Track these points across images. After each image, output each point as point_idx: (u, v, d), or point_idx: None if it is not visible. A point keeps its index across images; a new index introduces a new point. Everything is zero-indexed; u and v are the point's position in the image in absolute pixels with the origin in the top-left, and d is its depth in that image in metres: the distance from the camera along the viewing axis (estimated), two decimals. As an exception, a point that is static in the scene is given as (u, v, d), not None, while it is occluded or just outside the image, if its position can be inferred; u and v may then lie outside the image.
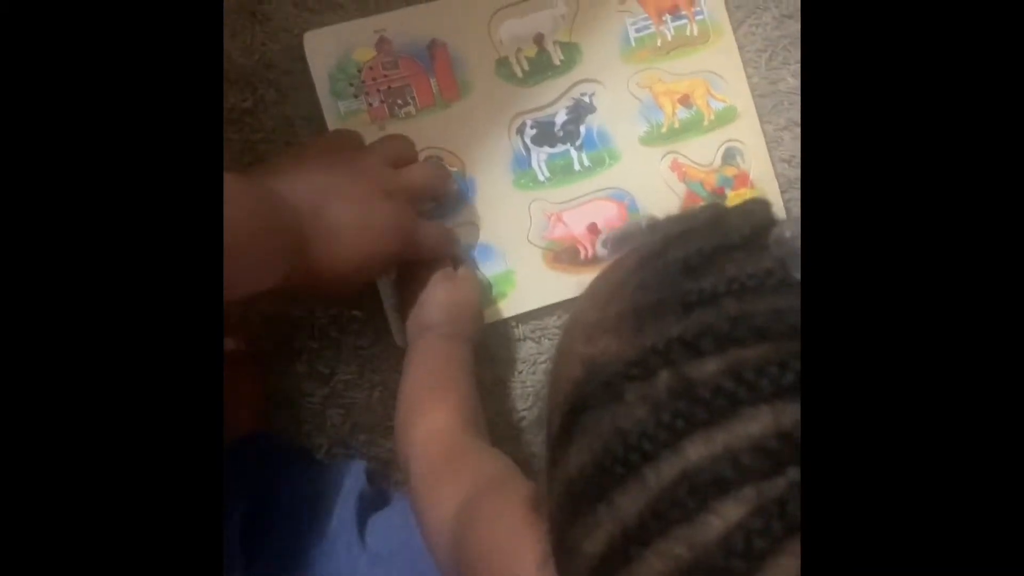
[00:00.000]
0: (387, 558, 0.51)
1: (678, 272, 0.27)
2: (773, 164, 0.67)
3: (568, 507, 0.27)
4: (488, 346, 0.64)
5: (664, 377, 0.25)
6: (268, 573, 0.51)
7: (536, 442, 0.64)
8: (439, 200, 0.60)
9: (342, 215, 0.50)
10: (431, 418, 0.51)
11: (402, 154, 0.57)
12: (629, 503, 0.25)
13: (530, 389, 0.64)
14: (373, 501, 0.54)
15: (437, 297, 0.57)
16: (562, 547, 0.28)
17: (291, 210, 0.48)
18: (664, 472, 0.24)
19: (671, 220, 0.33)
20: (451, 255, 0.59)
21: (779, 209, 0.66)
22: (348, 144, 0.56)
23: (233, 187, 0.43)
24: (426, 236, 0.56)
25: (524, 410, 0.64)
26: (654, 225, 0.32)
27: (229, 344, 0.60)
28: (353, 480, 0.54)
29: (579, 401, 0.27)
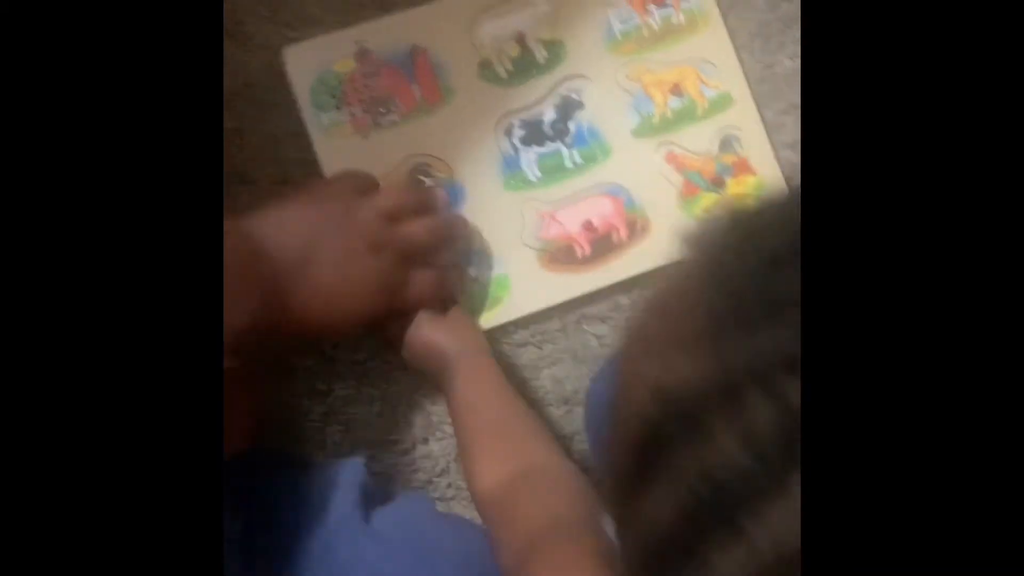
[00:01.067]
0: (396, 543, 0.48)
1: (764, 267, 0.23)
2: (776, 149, 0.65)
3: (649, 569, 0.23)
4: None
5: (758, 403, 0.20)
6: (270, 571, 0.49)
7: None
8: (445, 254, 0.57)
9: (323, 272, 0.49)
10: (502, 460, 0.49)
11: (408, 204, 0.55)
12: (730, 565, 0.20)
13: (532, 395, 0.62)
14: (376, 495, 0.52)
15: (438, 331, 0.55)
16: None
17: (269, 260, 0.47)
18: (771, 525, 0.20)
19: (752, 212, 0.28)
20: (444, 301, 0.57)
21: (784, 195, 0.64)
22: (348, 189, 0.54)
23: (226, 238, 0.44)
24: (415, 289, 0.53)
25: (528, 417, 0.62)
26: (735, 218, 0.27)
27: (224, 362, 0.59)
28: (352, 474, 0.52)
29: (653, 437, 0.23)
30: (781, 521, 0.19)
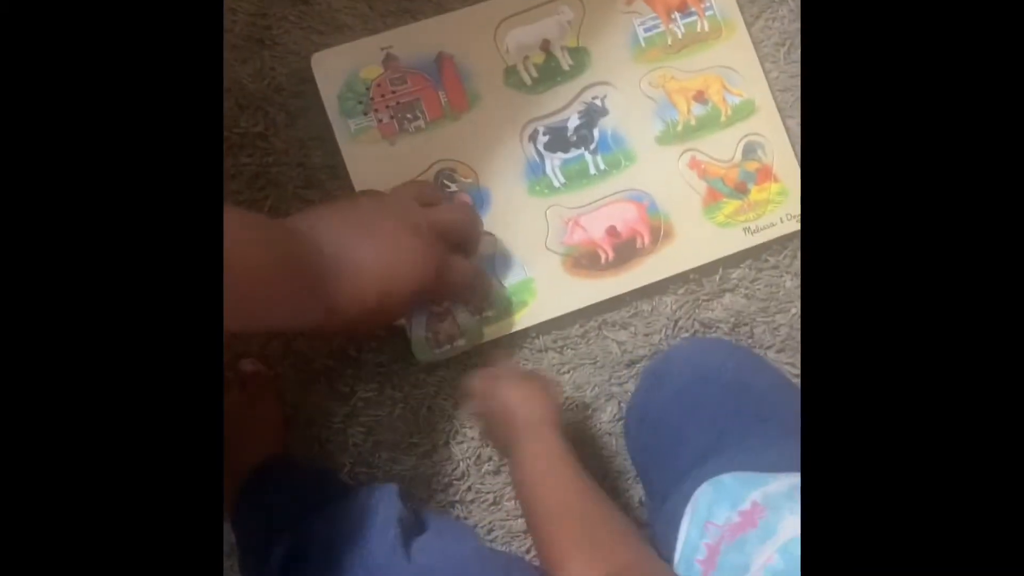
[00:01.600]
0: (436, 570, 0.49)
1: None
2: (798, 160, 0.65)
3: None
4: (509, 358, 0.62)
5: None
6: None
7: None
8: (469, 245, 0.58)
9: (366, 252, 0.50)
10: (591, 561, 0.46)
11: (429, 197, 0.57)
12: None
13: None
14: (412, 526, 0.52)
15: (514, 395, 0.55)
16: None
17: (314, 249, 0.48)
18: None
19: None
20: (478, 294, 0.59)
21: (808, 203, 0.64)
22: (376, 193, 0.56)
23: (254, 228, 0.45)
24: (453, 272, 0.55)
25: (550, 422, 0.62)
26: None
27: (247, 366, 0.60)
28: (388, 507, 0.52)
29: None
30: None
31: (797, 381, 0.60)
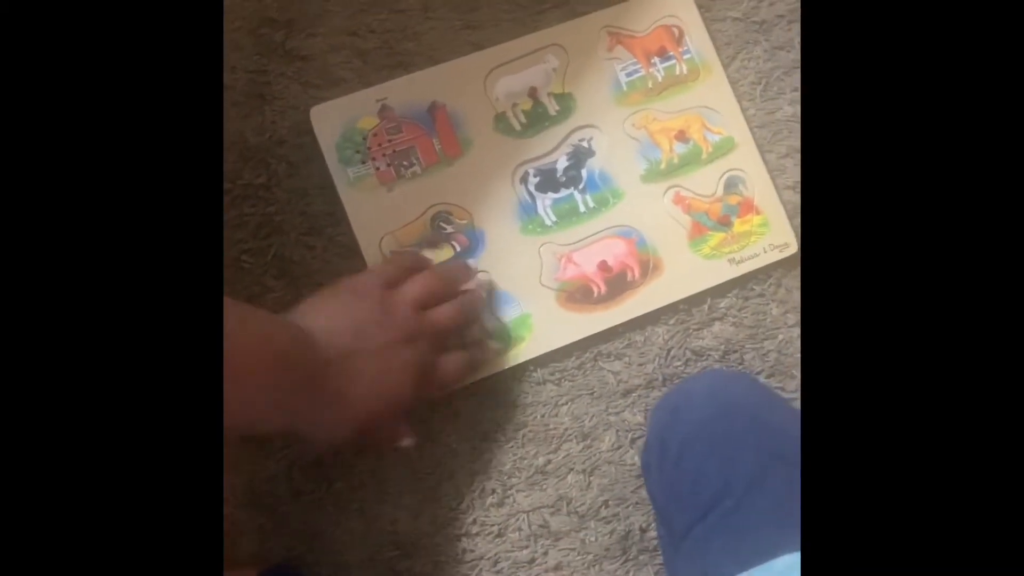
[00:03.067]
0: None
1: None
2: (778, 192, 0.68)
3: None
4: (509, 391, 0.64)
5: None
6: None
7: (566, 484, 0.64)
8: (470, 328, 0.62)
9: (367, 363, 0.54)
10: None
11: (412, 265, 0.61)
12: None
13: (552, 432, 0.64)
14: None
15: None
16: None
17: (317, 350, 0.52)
18: None
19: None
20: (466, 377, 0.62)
21: (789, 234, 0.66)
22: (382, 282, 0.58)
23: (253, 323, 0.49)
24: (444, 372, 0.59)
25: (548, 453, 0.64)
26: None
27: None
28: None
29: None
30: None
31: (789, 403, 0.62)
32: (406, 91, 0.65)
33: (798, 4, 0.71)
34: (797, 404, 0.65)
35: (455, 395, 0.63)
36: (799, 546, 0.46)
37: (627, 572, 0.63)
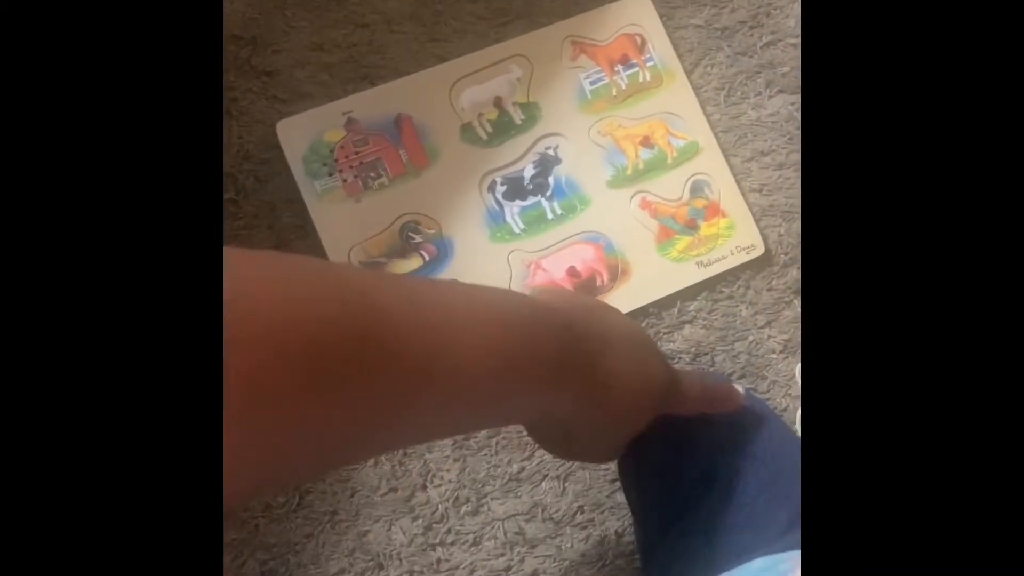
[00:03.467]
0: None
1: None
2: (744, 195, 0.69)
3: None
4: (481, 399, 0.64)
5: None
6: None
7: (541, 490, 0.63)
8: None
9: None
10: None
11: None
12: None
13: (526, 438, 0.64)
14: None
15: None
16: None
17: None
18: None
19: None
20: None
21: (756, 236, 0.67)
22: None
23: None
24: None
25: (523, 460, 0.64)
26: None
27: None
28: None
29: None
30: None
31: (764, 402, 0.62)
32: (372, 103, 0.66)
33: (758, 10, 0.72)
34: (770, 404, 0.65)
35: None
36: (773, 549, 0.46)
37: (604, 578, 0.63)
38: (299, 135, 0.65)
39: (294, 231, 0.65)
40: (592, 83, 0.69)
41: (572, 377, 0.35)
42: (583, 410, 0.38)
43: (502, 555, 0.63)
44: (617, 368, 0.38)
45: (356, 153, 0.65)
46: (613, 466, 0.64)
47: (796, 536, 0.47)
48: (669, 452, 0.53)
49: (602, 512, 0.64)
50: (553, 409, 0.37)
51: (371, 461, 0.62)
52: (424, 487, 0.63)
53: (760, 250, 0.67)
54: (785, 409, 0.67)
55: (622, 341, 0.40)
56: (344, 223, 0.64)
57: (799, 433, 0.66)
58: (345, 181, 0.65)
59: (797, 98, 0.71)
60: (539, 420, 0.41)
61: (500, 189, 0.66)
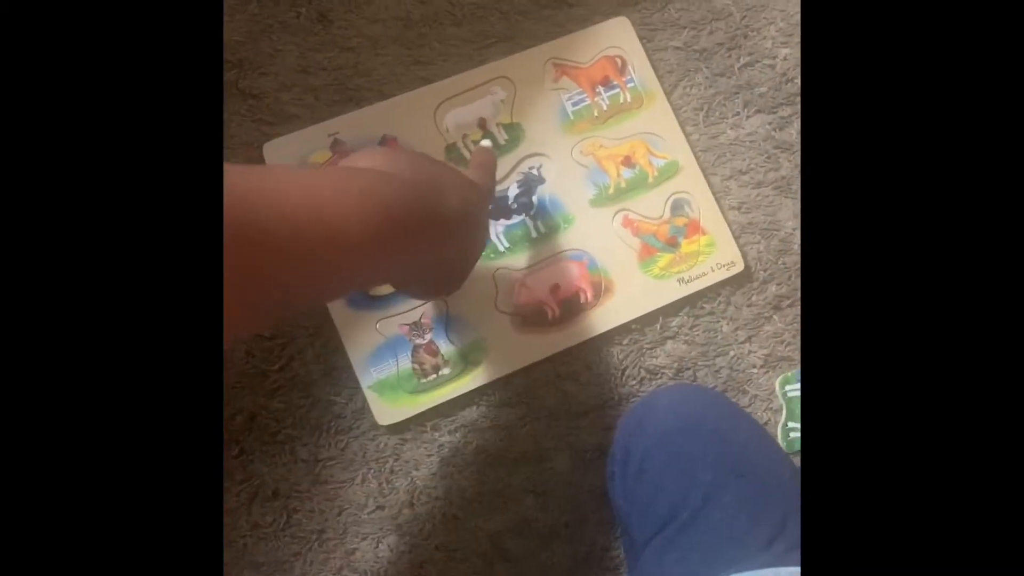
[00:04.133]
0: None
1: None
2: (723, 212, 0.70)
3: None
4: (467, 415, 0.65)
5: None
6: None
7: (526, 506, 0.64)
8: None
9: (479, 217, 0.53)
10: None
11: None
12: None
13: (511, 454, 0.65)
14: None
15: None
16: None
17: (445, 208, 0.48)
18: None
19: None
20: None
21: (735, 253, 0.68)
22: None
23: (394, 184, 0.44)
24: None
25: (508, 476, 0.64)
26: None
27: None
28: None
29: None
30: None
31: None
32: (358, 125, 0.67)
33: (736, 32, 0.74)
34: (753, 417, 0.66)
35: (414, 421, 0.64)
36: (752, 564, 0.47)
37: (590, 592, 0.64)
38: (286, 156, 0.66)
39: (281, 251, 0.65)
40: (574, 104, 0.70)
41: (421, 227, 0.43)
42: (435, 249, 0.46)
43: (489, 571, 0.63)
44: (449, 209, 0.45)
45: (342, 174, 0.66)
46: (598, 480, 0.65)
47: (775, 552, 0.48)
48: (657, 465, 0.54)
49: (587, 527, 0.64)
50: (414, 260, 0.45)
51: (358, 480, 0.63)
52: (411, 504, 0.63)
53: (740, 266, 0.68)
54: (767, 423, 0.68)
55: (449, 187, 0.47)
56: (330, 243, 0.65)
57: (782, 444, 0.67)
58: (331, 201, 0.66)
59: (774, 118, 0.73)
60: (407, 276, 0.49)
61: (484, 208, 0.67)
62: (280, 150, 0.66)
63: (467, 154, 0.68)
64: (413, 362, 0.64)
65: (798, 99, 0.73)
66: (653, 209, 0.69)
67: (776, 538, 0.48)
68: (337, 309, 0.64)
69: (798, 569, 0.40)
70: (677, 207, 0.69)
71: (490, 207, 0.67)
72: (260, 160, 0.65)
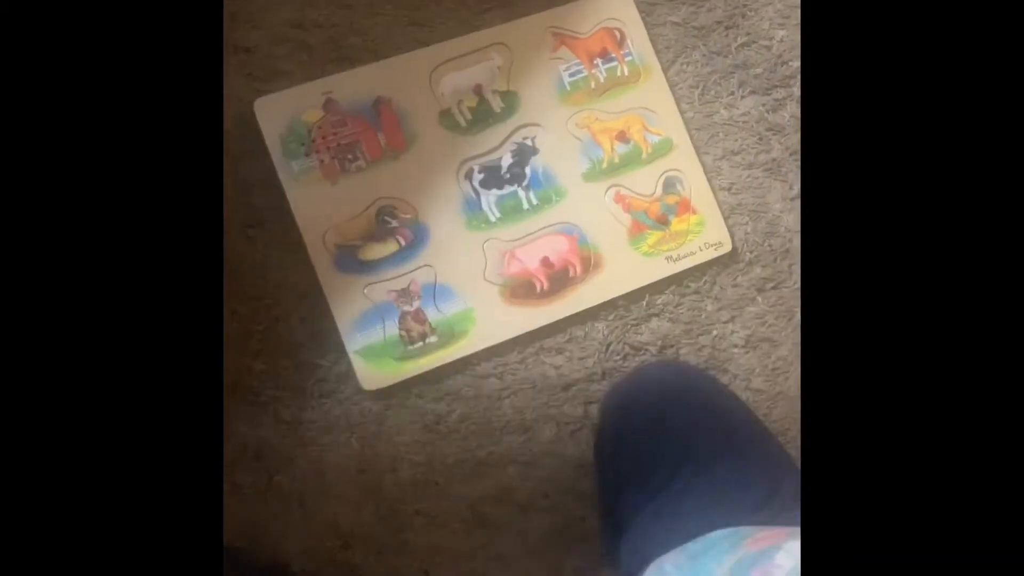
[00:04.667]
0: None
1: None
2: (714, 192, 0.70)
3: None
4: (452, 384, 0.65)
5: None
6: None
7: (507, 475, 0.65)
8: None
9: None
10: None
11: None
12: None
13: (494, 424, 0.65)
14: None
15: None
16: None
17: None
18: None
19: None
20: None
21: (724, 233, 0.69)
22: None
23: None
24: None
25: (490, 446, 0.65)
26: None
27: None
28: None
29: None
30: None
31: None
32: (352, 85, 0.66)
33: (734, 11, 0.73)
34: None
35: (398, 387, 0.64)
36: (735, 523, 0.48)
37: (567, 561, 0.65)
38: (277, 114, 0.64)
39: (270, 211, 0.64)
40: (571, 75, 0.69)
41: None
42: None
43: (467, 538, 0.64)
44: None
45: (334, 134, 0.65)
46: (579, 452, 0.66)
47: (762, 518, 0.49)
48: (649, 437, 0.55)
49: (567, 498, 0.65)
50: None
51: (340, 443, 0.63)
52: (393, 470, 0.64)
53: (727, 247, 0.69)
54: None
55: None
56: (320, 205, 0.64)
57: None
58: (322, 162, 0.65)
59: (768, 99, 0.73)
60: None
61: (477, 177, 0.67)
62: (272, 107, 0.64)
63: (461, 120, 0.67)
64: (400, 329, 0.64)
65: (792, 81, 0.74)
66: (645, 186, 0.69)
67: (764, 506, 0.50)
68: (325, 272, 0.64)
69: (788, 528, 0.42)
70: (669, 185, 0.69)
71: (482, 176, 0.66)
72: (250, 115, 0.64)
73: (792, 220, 0.71)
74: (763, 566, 0.36)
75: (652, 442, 0.54)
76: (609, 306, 0.68)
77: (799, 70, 0.73)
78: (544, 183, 0.68)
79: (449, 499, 0.64)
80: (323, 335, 0.64)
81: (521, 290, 0.66)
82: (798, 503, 0.43)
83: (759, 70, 0.73)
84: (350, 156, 0.65)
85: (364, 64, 0.66)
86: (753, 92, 0.73)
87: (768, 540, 0.40)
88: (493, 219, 0.66)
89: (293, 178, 0.64)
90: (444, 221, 0.66)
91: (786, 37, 0.74)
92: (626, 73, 0.70)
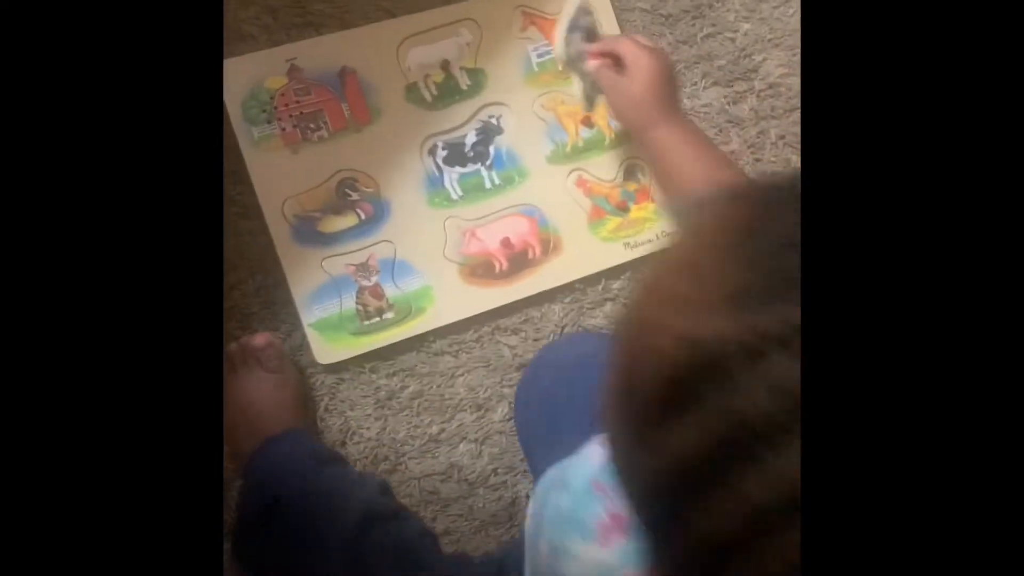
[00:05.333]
0: None
1: (779, 249, 0.26)
2: (673, 179, 0.71)
3: (678, 483, 0.26)
4: (407, 360, 0.65)
5: (782, 361, 0.24)
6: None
7: (458, 452, 0.65)
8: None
9: None
10: None
11: None
12: (753, 489, 0.24)
13: (447, 402, 0.65)
14: (381, 516, 0.57)
15: None
16: (672, 518, 0.27)
17: None
18: (790, 459, 0.23)
19: (754, 188, 0.34)
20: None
21: (681, 221, 0.70)
22: None
23: None
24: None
25: (443, 423, 0.65)
26: (736, 194, 0.32)
27: (259, 340, 0.62)
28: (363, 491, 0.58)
29: (682, 378, 0.26)
30: (796, 457, 0.23)
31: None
32: (317, 53, 0.64)
33: (702, 1, 0.74)
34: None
35: (352, 362, 0.64)
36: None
37: (512, 537, 0.66)
38: (239, 78, 0.63)
39: (228, 177, 0.63)
40: (539, 56, 0.69)
41: None
42: None
43: (415, 513, 0.64)
44: None
45: (297, 102, 0.64)
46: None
47: None
48: (557, 399, 0.58)
49: (515, 475, 0.66)
50: None
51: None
52: (343, 443, 0.64)
53: (684, 236, 0.70)
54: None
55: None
56: (280, 173, 0.63)
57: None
58: (283, 130, 0.63)
59: (730, 91, 0.74)
60: None
61: (441, 153, 0.66)
62: (235, 70, 0.62)
63: (427, 95, 0.66)
64: (357, 303, 0.64)
65: (753, 75, 0.75)
66: (607, 171, 0.69)
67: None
68: (283, 243, 0.63)
69: None
70: (630, 172, 0.70)
71: (446, 153, 0.66)
72: (210, 78, 0.62)
73: (747, 212, 0.72)
74: None
75: (559, 404, 0.57)
76: (566, 289, 0.68)
77: (761, 64, 0.74)
78: (507, 163, 0.68)
79: (398, 473, 0.64)
80: (277, 306, 0.63)
81: (480, 269, 0.66)
82: None
83: (723, 62, 0.74)
84: (312, 125, 0.64)
85: (330, 31, 0.65)
86: (716, 83, 0.74)
87: None
88: (455, 197, 0.66)
89: (253, 144, 0.63)
90: (406, 197, 0.65)
91: (750, 31, 0.75)
92: (594, 57, 0.70)
